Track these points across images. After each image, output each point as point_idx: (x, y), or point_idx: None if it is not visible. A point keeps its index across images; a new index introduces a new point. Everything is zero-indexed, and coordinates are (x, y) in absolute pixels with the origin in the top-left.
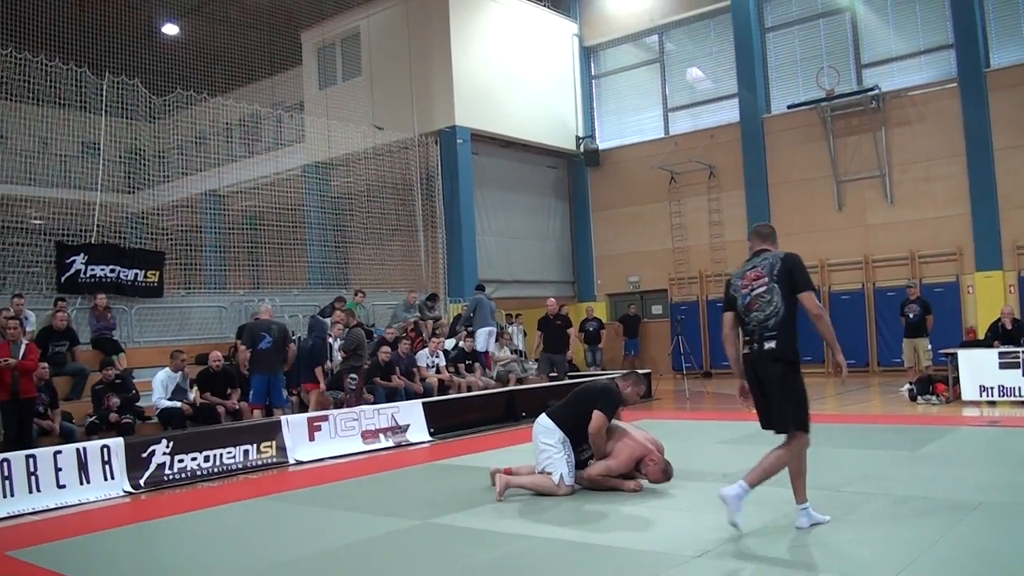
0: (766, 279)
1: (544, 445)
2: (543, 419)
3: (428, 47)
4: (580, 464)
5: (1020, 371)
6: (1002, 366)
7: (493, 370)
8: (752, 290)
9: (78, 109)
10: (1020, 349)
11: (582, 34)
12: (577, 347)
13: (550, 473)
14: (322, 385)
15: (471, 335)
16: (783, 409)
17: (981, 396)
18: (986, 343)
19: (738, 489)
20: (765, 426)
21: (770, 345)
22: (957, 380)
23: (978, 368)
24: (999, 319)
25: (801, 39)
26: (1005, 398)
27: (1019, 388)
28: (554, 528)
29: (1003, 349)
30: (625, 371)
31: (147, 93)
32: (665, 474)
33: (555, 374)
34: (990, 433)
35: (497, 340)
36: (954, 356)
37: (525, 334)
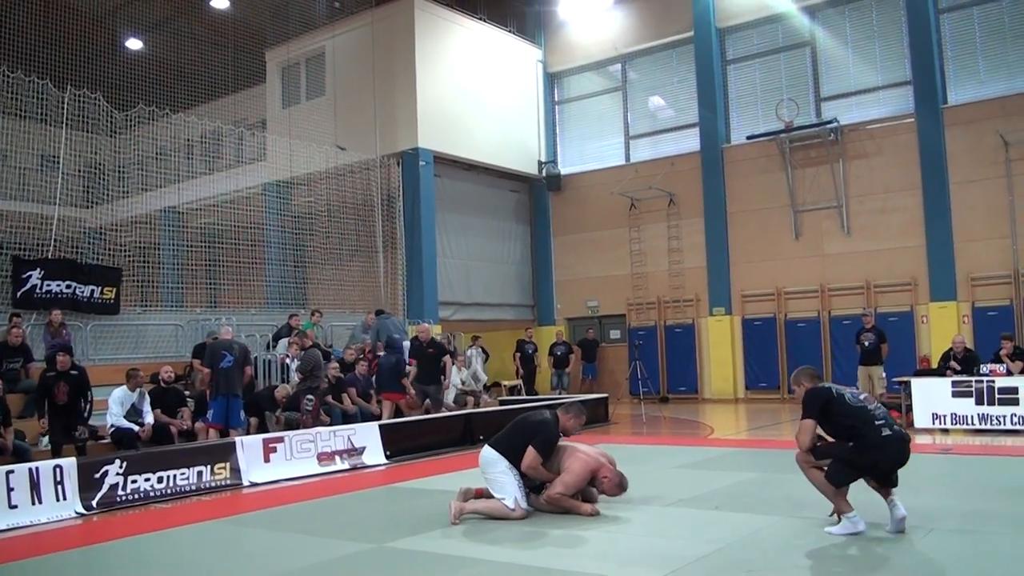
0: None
1: (492, 474)
2: (486, 451)
3: (393, 69)
4: (536, 489)
5: (973, 399)
6: (955, 395)
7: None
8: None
9: (38, 121)
10: (973, 378)
11: (546, 60)
12: (545, 371)
13: (503, 498)
14: (409, 392)
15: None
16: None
17: (934, 424)
18: (939, 372)
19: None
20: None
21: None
22: (911, 408)
23: (931, 396)
24: (951, 348)
25: (762, 71)
26: (957, 426)
27: (971, 416)
28: (510, 552)
29: (956, 378)
30: (567, 402)
31: (108, 107)
32: (620, 487)
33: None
34: (942, 461)
35: (453, 363)
36: (908, 384)
37: (487, 357)
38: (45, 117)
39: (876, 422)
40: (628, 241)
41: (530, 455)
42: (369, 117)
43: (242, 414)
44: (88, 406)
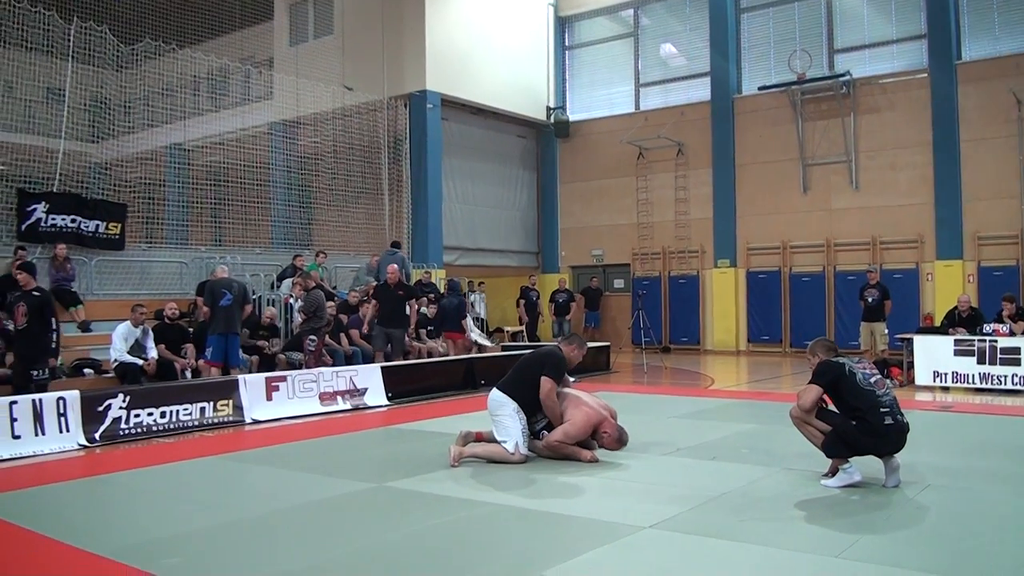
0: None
1: (498, 417)
2: (494, 393)
3: (402, 8)
4: (535, 435)
5: (975, 359)
6: (957, 353)
7: None
8: (873, 374)
9: (44, 53)
10: (975, 337)
11: (557, 4)
12: (546, 318)
13: (504, 442)
14: (467, 333)
15: (433, 301)
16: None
17: (935, 381)
18: (942, 330)
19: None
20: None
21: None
22: (912, 365)
23: (933, 354)
24: (956, 307)
25: (776, 21)
26: (958, 384)
27: (972, 375)
28: (509, 495)
29: (959, 336)
30: (569, 335)
31: (115, 41)
32: (620, 442)
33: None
34: (942, 418)
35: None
36: (910, 341)
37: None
38: (51, 49)
39: (881, 409)
40: (635, 190)
41: (546, 384)
42: (377, 58)
43: (241, 352)
44: (54, 335)
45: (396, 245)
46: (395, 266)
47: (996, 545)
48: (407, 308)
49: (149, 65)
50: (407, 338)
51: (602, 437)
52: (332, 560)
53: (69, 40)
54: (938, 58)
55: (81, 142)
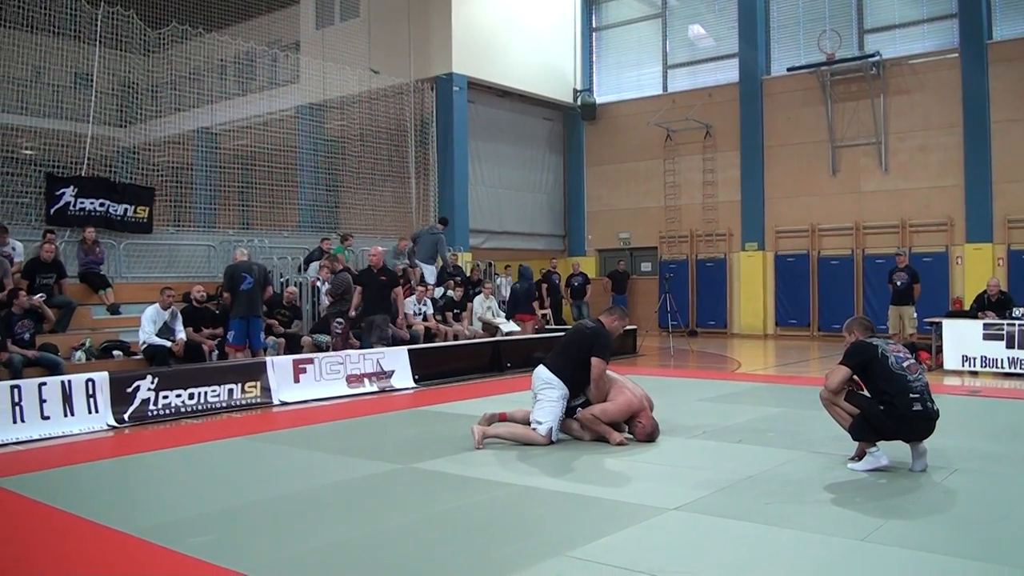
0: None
1: (544, 394)
2: (542, 371)
3: None
4: (572, 412)
5: (1003, 343)
6: (986, 337)
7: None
8: (906, 359)
9: (72, 38)
10: (1004, 321)
11: None
12: (565, 302)
13: (539, 423)
14: (538, 315)
15: (459, 284)
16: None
17: (963, 366)
18: (971, 314)
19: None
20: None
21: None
22: (940, 349)
23: (962, 338)
24: (985, 291)
25: (804, 1)
26: (987, 368)
27: (1001, 359)
28: (536, 477)
29: (988, 320)
30: (610, 307)
31: (142, 25)
32: (650, 437)
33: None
34: (970, 402)
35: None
36: (939, 325)
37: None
38: (79, 34)
39: (911, 395)
40: (662, 173)
41: (599, 366)
42: (403, 40)
43: (263, 335)
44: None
45: (443, 222)
46: (380, 248)
47: None
48: (392, 295)
49: (176, 49)
50: (389, 327)
51: (636, 426)
52: (358, 539)
53: (96, 25)
54: (969, 38)
55: (109, 127)
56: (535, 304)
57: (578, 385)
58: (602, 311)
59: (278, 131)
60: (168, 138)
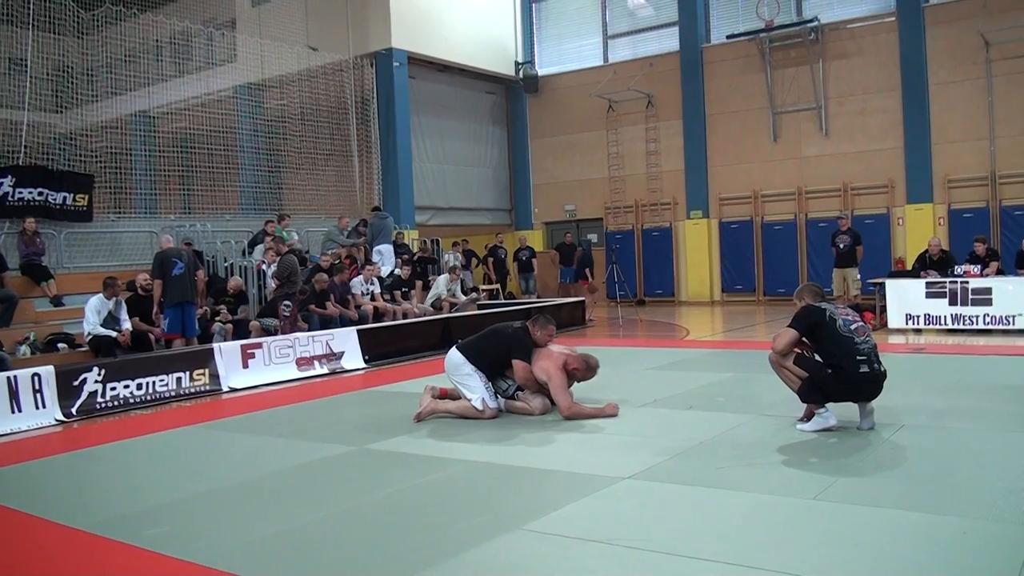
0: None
1: (458, 376)
2: (453, 354)
3: None
4: (508, 396)
5: (946, 300)
6: (928, 295)
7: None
8: (855, 321)
9: (5, 23)
10: (947, 279)
11: None
12: (513, 276)
13: (471, 399)
14: (590, 280)
15: (407, 262)
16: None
17: (907, 324)
18: (914, 273)
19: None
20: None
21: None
22: (884, 309)
23: (905, 297)
24: (926, 250)
25: None
26: (930, 326)
27: (944, 316)
28: (488, 452)
29: (930, 279)
30: (535, 315)
31: (75, 7)
32: (590, 368)
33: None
34: (915, 360)
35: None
36: (882, 286)
37: (477, 261)
38: (11, 18)
39: (858, 357)
40: (606, 144)
41: (521, 368)
42: (341, 16)
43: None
44: None
45: (377, 210)
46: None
47: (972, 481)
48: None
49: (111, 31)
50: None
51: (575, 375)
52: (314, 523)
53: (29, 7)
54: (905, 1)
55: (45, 113)
56: (587, 270)
57: (492, 372)
58: (530, 320)
59: (217, 112)
60: (105, 123)
